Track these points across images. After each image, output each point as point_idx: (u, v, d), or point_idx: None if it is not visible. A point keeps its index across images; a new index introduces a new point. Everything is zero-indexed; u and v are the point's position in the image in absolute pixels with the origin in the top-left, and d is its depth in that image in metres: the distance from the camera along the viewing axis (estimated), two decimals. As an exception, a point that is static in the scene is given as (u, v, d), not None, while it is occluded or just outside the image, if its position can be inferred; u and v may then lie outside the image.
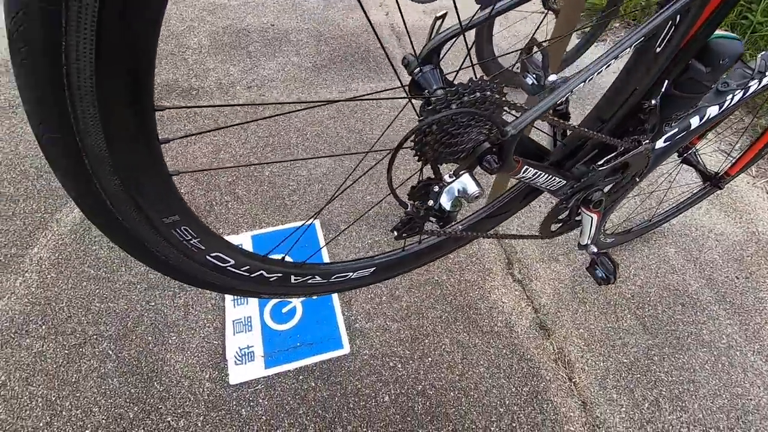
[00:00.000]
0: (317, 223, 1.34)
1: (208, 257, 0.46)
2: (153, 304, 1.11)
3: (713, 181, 1.15)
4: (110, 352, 1.03)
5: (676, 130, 0.77)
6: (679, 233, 1.42)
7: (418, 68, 0.49)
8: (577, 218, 0.84)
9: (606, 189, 0.79)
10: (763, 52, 0.77)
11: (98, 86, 0.28)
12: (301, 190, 1.42)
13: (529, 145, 0.70)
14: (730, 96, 0.77)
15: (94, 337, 1.05)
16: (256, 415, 0.96)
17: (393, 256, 0.70)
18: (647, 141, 0.68)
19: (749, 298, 1.27)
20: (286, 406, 0.98)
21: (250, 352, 1.06)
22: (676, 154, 1.14)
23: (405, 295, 1.19)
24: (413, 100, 0.50)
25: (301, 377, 1.03)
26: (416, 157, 0.46)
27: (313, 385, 1.02)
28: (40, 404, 0.94)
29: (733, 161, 1.12)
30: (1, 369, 0.99)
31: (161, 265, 0.44)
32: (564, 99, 0.58)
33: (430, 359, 1.08)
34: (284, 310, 1.14)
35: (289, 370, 1.03)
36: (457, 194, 0.46)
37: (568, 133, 0.70)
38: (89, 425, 0.93)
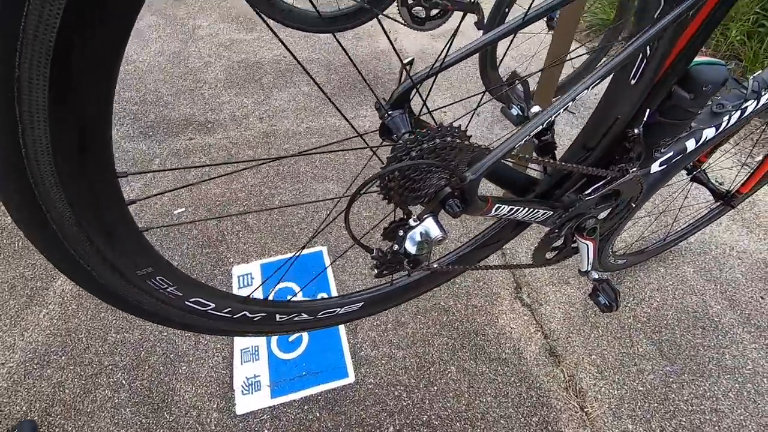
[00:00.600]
0: (324, 250, 1.36)
1: (186, 303, 0.48)
2: (165, 334, 1.15)
3: (725, 200, 1.10)
4: (124, 382, 1.07)
5: (671, 153, 0.75)
6: (698, 251, 1.36)
7: (387, 113, 0.50)
8: (573, 245, 0.82)
9: (601, 216, 0.78)
10: (756, 74, 0.75)
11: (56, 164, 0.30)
12: (308, 218, 1.45)
13: (517, 177, 0.70)
14: (727, 117, 0.75)
15: (110, 367, 1.09)
16: (261, 446, 0.97)
17: (381, 291, 0.70)
18: (634, 169, 0.66)
19: (776, 319, 1.20)
20: (291, 437, 0.99)
21: (256, 382, 1.07)
22: (685, 172, 1.11)
23: (411, 322, 1.19)
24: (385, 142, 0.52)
25: (306, 407, 1.03)
26: (384, 201, 0.47)
27: (318, 415, 1.02)
28: (58, 434, 0.98)
29: (744, 179, 1.07)
30: (23, 399, 1.04)
31: (137, 310, 0.46)
32: (549, 126, 0.57)
33: (435, 388, 1.07)
34: (291, 338, 1.16)
35: (294, 400, 1.04)
36: (419, 238, 0.46)
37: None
38: (102, 455, 0.96)
